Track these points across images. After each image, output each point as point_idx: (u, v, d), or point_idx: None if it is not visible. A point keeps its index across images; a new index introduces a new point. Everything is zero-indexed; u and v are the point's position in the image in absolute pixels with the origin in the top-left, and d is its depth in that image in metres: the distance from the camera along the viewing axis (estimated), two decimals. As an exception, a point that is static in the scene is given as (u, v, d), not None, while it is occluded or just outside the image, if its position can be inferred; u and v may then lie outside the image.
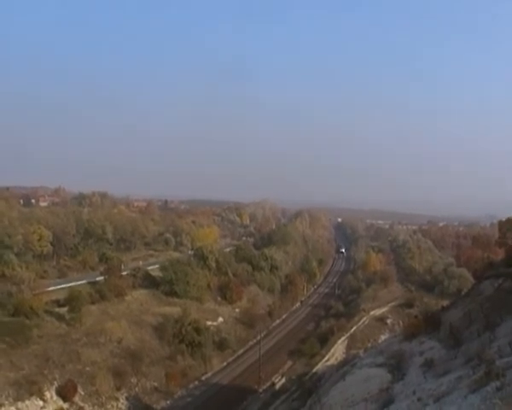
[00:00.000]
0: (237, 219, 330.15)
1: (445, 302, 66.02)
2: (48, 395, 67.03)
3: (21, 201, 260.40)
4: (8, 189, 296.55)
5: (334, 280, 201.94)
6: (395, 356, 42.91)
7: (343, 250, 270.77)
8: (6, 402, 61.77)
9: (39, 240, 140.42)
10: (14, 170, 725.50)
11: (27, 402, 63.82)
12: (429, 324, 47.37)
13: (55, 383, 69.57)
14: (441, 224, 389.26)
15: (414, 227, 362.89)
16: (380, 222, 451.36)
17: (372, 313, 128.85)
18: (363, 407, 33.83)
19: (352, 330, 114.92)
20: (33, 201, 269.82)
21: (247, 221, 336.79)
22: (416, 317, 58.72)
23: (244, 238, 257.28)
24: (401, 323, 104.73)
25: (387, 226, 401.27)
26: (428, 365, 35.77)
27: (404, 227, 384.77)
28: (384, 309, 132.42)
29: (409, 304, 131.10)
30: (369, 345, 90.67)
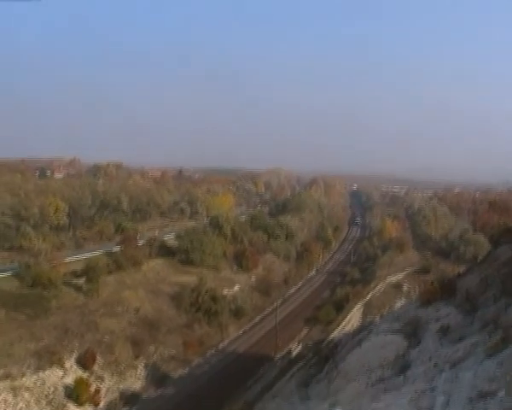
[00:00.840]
0: (252, 187, 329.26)
1: (462, 268, 65.76)
2: (68, 364, 67.95)
3: (37, 173, 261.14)
4: (23, 161, 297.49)
5: (350, 247, 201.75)
6: (411, 323, 42.89)
7: (358, 220, 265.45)
8: (28, 372, 62.72)
9: (55, 212, 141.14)
10: (29, 141, 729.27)
11: (48, 372, 64.73)
12: (445, 290, 47.18)
13: (75, 352, 70.45)
14: (457, 190, 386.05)
15: (429, 194, 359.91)
16: (395, 189, 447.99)
17: (388, 279, 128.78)
18: (379, 374, 33.97)
19: (368, 296, 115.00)
20: (48, 172, 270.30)
21: (262, 189, 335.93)
22: (432, 283, 58.34)
23: (259, 206, 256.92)
24: (417, 289, 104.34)
25: (403, 193, 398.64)
26: (444, 331, 35.74)
27: (420, 194, 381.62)
28: (400, 276, 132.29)
29: (425, 270, 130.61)
30: (385, 312, 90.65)
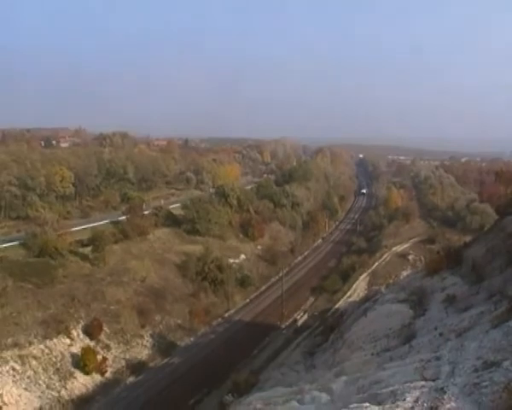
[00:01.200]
0: (258, 156, 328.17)
1: (468, 238, 65.56)
2: (74, 333, 68.46)
3: (42, 142, 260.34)
4: (28, 131, 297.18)
5: (356, 216, 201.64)
6: (417, 292, 42.91)
7: (364, 191, 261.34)
8: (35, 340, 63.26)
9: (61, 181, 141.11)
10: (34, 112, 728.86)
11: (55, 340, 65.27)
12: (451, 260, 47.13)
13: (81, 321, 70.96)
14: (463, 159, 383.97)
15: (436, 163, 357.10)
16: (401, 158, 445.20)
17: (394, 249, 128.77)
18: (385, 343, 34.04)
19: (374, 266, 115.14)
20: (54, 142, 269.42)
21: (268, 159, 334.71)
22: (438, 253, 58.38)
23: (265, 175, 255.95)
24: (423, 259, 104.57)
25: (409, 162, 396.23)
26: (450, 300, 35.73)
27: (426, 163, 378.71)
28: (406, 245, 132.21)
29: (431, 240, 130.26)
30: (391, 281, 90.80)
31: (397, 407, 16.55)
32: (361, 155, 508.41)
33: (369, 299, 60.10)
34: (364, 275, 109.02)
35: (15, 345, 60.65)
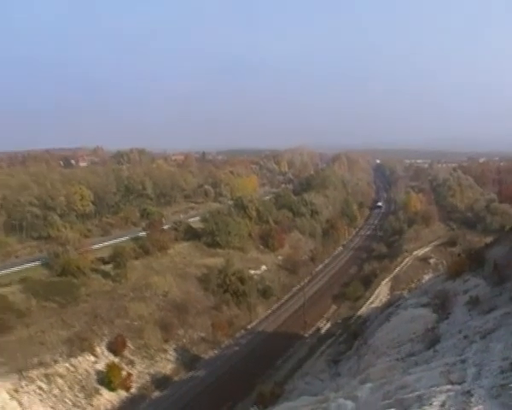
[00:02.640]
0: (275, 166, 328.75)
1: (489, 239, 65.16)
2: (99, 350, 68.72)
3: (61, 162, 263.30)
4: (47, 151, 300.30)
5: (376, 222, 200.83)
6: (439, 295, 42.66)
7: (380, 203, 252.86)
8: (60, 359, 63.58)
9: (81, 200, 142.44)
10: (53, 133, 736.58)
11: (80, 358, 65.54)
12: (473, 261, 46.87)
13: (105, 338, 71.23)
14: (481, 160, 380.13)
15: (454, 165, 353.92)
16: (419, 161, 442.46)
17: (415, 253, 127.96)
18: (409, 348, 33.87)
19: (396, 271, 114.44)
20: (73, 161, 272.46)
21: (285, 168, 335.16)
22: (459, 255, 58.08)
23: (283, 185, 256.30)
24: (444, 262, 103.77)
25: (427, 165, 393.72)
26: (473, 302, 35.50)
27: (444, 165, 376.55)
28: (427, 249, 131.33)
29: (451, 243, 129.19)
30: (413, 285, 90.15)
31: (423, 411, 16.44)
32: (378, 161, 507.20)
33: (392, 304, 59.89)
34: (386, 280, 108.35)
35: (41, 364, 60.99)
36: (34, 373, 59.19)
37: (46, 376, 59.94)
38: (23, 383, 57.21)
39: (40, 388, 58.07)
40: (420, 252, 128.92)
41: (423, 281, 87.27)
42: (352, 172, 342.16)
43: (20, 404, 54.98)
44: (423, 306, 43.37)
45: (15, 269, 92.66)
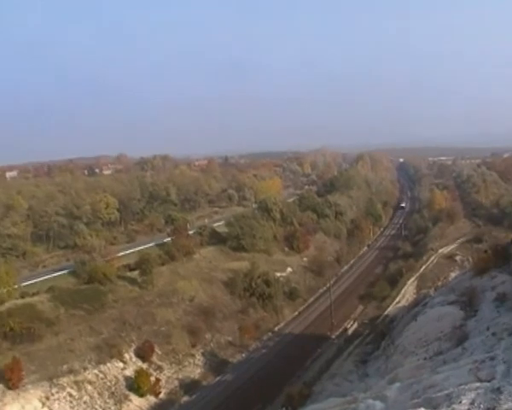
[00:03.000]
0: (298, 168, 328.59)
1: (515, 235, 64.51)
2: (127, 356, 69.23)
3: (85, 171, 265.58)
4: (71, 161, 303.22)
5: (400, 221, 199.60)
6: (466, 293, 42.34)
7: (403, 204, 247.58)
8: (89, 366, 64.21)
9: (106, 208, 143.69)
10: (76, 142, 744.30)
11: (109, 365, 66.10)
12: (499, 258, 46.43)
13: (133, 344, 71.76)
14: (505, 155, 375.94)
15: (477, 161, 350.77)
16: (442, 159, 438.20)
17: (440, 251, 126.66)
18: (436, 346, 33.64)
19: (422, 269, 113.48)
20: (97, 170, 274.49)
21: (308, 170, 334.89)
22: (485, 252, 57.55)
23: (307, 187, 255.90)
24: (471, 259, 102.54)
25: (450, 162, 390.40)
26: (501, 299, 35.18)
27: (468, 162, 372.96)
28: (452, 246, 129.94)
29: (477, 239, 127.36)
30: (440, 284, 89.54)
31: (453, 410, 16.32)
32: (401, 159, 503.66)
33: (419, 303, 59.54)
34: (412, 279, 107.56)
35: (71, 371, 61.60)
36: (64, 380, 59.82)
37: (76, 383, 60.54)
38: (54, 390, 57.89)
39: (70, 395, 58.67)
40: (445, 250, 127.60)
41: (450, 279, 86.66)
42: (376, 172, 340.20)
43: (52, 411, 55.62)
44: (450, 304, 43.06)
45: (43, 278, 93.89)
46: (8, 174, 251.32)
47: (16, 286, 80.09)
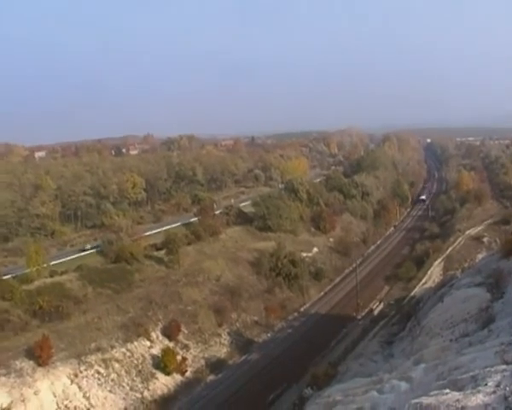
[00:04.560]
0: (325, 148, 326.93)
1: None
2: (154, 335, 69.88)
3: (113, 151, 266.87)
4: (99, 141, 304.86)
5: (427, 202, 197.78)
6: (493, 275, 41.99)
7: (423, 197, 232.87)
8: (116, 344, 65.02)
9: (133, 187, 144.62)
10: (104, 122, 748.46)
11: (135, 343, 66.82)
12: (528, 239, 45.93)
13: (160, 323, 72.38)
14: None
15: (506, 141, 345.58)
16: (470, 139, 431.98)
17: (468, 232, 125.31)
18: (462, 328, 33.45)
19: (448, 251, 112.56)
20: (124, 150, 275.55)
21: (335, 150, 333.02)
22: (512, 233, 56.98)
23: (333, 167, 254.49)
24: (498, 241, 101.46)
25: (478, 143, 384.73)
26: (528, 281, 34.87)
27: (496, 142, 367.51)
28: (480, 228, 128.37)
29: (505, 221, 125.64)
30: (466, 265, 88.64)
31: (478, 392, 16.23)
32: (428, 140, 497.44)
33: (445, 284, 59.16)
34: (439, 260, 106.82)
35: (98, 349, 62.46)
36: (92, 358, 60.72)
37: (104, 361, 61.39)
38: (82, 367, 58.81)
39: (98, 372, 59.56)
40: (473, 231, 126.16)
41: (476, 260, 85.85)
42: (403, 153, 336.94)
43: (80, 388, 56.54)
44: (477, 285, 42.75)
45: (71, 257, 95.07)
46: (37, 154, 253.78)
47: (45, 265, 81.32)
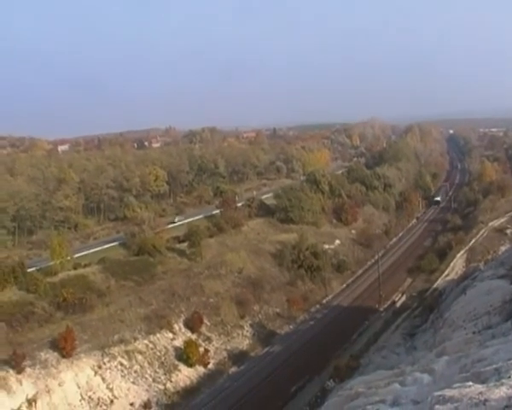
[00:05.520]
0: (347, 140, 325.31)
1: None
2: (176, 327, 70.28)
3: (135, 144, 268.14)
4: (121, 134, 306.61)
5: (450, 193, 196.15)
6: (517, 267, 41.62)
7: (438, 198, 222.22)
8: (139, 336, 65.53)
9: (155, 180, 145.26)
10: (125, 116, 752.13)
11: (158, 335, 67.28)
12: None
13: (182, 315, 72.78)
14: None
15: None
16: (493, 130, 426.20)
17: (491, 224, 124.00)
18: (486, 320, 33.19)
19: (471, 243, 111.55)
20: (146, 143, 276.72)
21: (356, 142, 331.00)
22: (538, 225, 56.47)
23: (355, 159, 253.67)
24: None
25: (502, 134, 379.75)
26: (553, 273, 34.50)
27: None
28: (503, 220, 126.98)
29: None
30: (490, 257, 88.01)
31: (501, 384, 16.06)
32: (451, 131, 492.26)
33: (468, 276, 58.79)
34: (462, 252, 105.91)
35: (121, 341, 62.99)
36: (115, 350, 61.26)
37: (127, 352, 61.92)
38: (105, 359, 59.40)
39: (121, 364, 60.10)
40: (496, 223, 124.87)
41: (500, 252, 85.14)
42: (425, 144, 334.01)
43: (104, 380, 57.11)
44: (500, 277, 42.38)
45: (94, 250, 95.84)
46: (60, 148, 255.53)
47: (69, 258, 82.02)
